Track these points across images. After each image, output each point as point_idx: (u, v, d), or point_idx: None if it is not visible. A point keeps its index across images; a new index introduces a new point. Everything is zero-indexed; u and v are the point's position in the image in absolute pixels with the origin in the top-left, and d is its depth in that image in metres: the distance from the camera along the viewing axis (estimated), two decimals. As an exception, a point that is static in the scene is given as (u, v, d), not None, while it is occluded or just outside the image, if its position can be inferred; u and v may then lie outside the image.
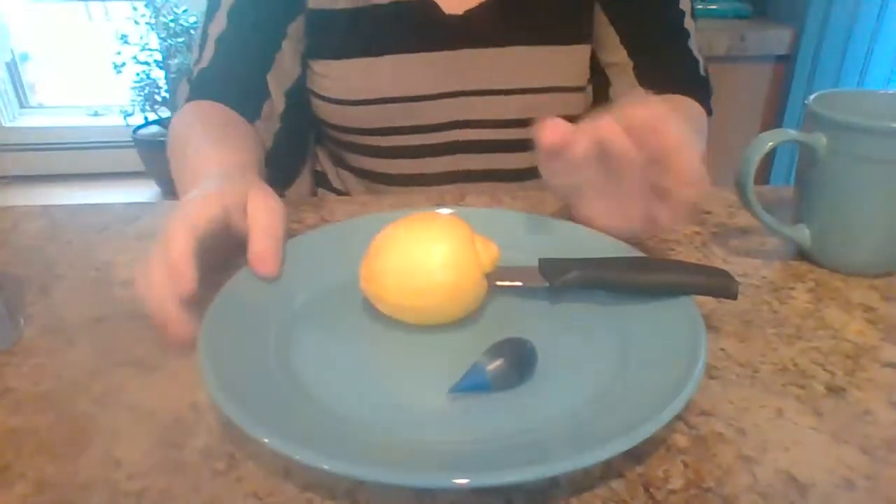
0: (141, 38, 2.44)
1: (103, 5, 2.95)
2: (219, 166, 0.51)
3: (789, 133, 0.50)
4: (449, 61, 0.68)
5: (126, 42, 2.44)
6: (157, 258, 0.40)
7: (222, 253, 0.46)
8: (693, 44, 0.70)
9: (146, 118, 2.59)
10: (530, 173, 0.74)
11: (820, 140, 0.49)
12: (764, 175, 1.56)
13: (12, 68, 2.89)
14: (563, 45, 0.69)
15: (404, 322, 0.44)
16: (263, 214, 0.45)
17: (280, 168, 0.73)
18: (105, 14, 2.97)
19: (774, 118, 1.52)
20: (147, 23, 2.41)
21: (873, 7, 1.35)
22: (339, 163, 0.78)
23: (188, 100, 0.66)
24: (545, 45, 0.68)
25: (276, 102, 0.68)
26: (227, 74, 0.66)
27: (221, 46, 0.66)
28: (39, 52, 3.02)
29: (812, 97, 0.51)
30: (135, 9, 2.45)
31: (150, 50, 2.45)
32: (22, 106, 2.96)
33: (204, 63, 0.66)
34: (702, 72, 0.71)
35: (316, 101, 0.72)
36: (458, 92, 0.69)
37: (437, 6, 0.67)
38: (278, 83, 0.68)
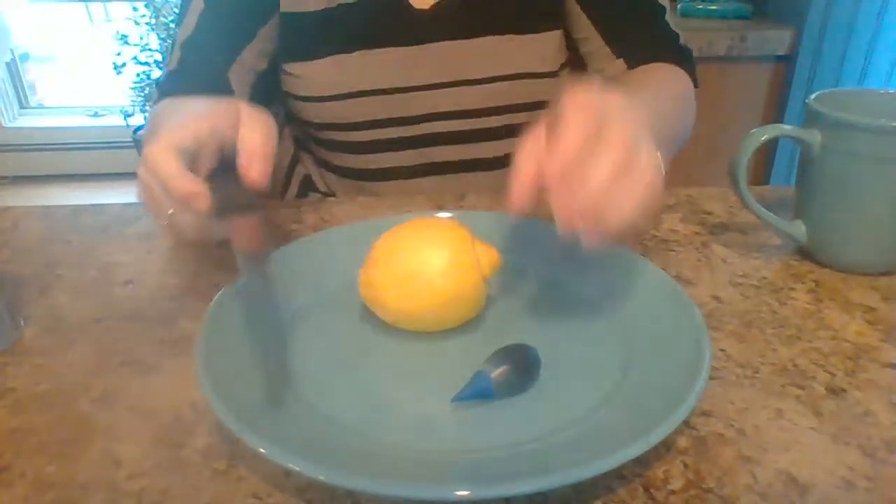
0: (141, 38, 2.43)
1: (103, 6, 2.95)
2: (206, 101, 0.49)
3: (784, 128, 0.51)
4: (419, 54, 0.68)
5: (126, 42, 2.44)
6: (153, 184, 0.40)
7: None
8: (669, 18, 0.70)
9: (146, 118, 2.59)
10: (508, 161, 0.74)
11: (815, 136, 0.49)
12: (765, 175, 1.56)
13: (12, 68, 2.89)
14: (532, 33, 0.69)
15: (404, 329, 0.43)
16: (254, 116, 0.43)
17: None
18: (105, 15, 2.97)
19: (774, 118, 1.52)
20: (147, 23, 2.41)
21: (873, 7, 1.35)
22: (322, 164, 0.79)
23: (157, 101, 0.66)
24: (514, 33, 0.69)
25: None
26: (193, 73, 0.66)
27: (188, 48, 0.66)
28: (39, 52, 3.02)
29: (813, 96, 0.51)
30: (135, 9, 2.45)
31: (150, 50, 2.44)
32: (22, 106, 2.96)
33: (171, 66, 0.66)
34: (682, 42, 0.70)
35: (292, 102, 0.72)
36: (430, 84, 0.70)
37: (406, 1, 0.67)
38: (241, 81, 0.68)
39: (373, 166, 0.74)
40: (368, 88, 0.68)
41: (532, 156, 0.38)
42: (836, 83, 1.42)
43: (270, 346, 0.41)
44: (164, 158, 0.39)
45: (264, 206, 0.44)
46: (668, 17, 0.70)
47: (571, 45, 0.72)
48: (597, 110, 0.36)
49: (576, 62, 0.73)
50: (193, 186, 0.38)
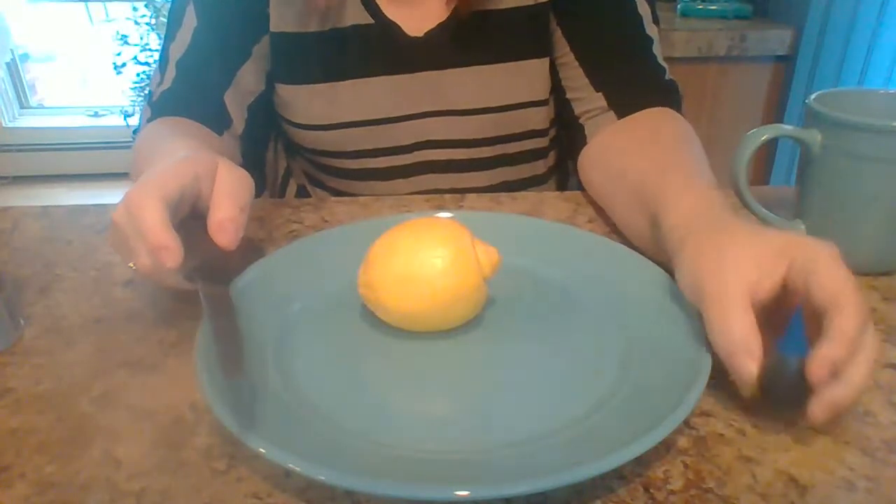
0: (141, 38, 2.44)
1: (103, 6, 2.95)
2: (187, 149, 0.50)
3: (784, 128, 0.51)
4: (411, 83, 0.68)
5: (126, 42, 2.45)
6: (129, 229, 0.40)
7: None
8: (657, 49, 0.67)
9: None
10: (499, 189, 0.74)
11: (815, 136, 0.49)
12: (765, 175, 1.56)
13: (12, 68, 2.89)
14: (523, 61, 0.68)
15: (403, 328, 0.43)
16: (230, 182, 0.44)
17: None
18: (105, 15, 2.97)
19: (775, 118, 1.52)
20: (147, 23, 2.41)
21: (873, 7, 1.35)
22: (314, 182, 0.79)
23: (151, 119, 0.65)
24: (505, 62, 0.68)
25: (237, 122, 0.67)
26: (190, 95, 0.65)
27: (183, 67, 0.65)
28: (39, 52, 3.02)
29: (813, 96, 0.51)
30: (135, 9, 2.45)
31: (150, 50, 2.44)
32: (22, 106, 2.96)
33: (166, 85, 0.65)
34: (667, 78, 0.67)
35: (284, 125, 0.72)
36: (422, 113, 0.69)
37: (399, 28, 0.66)
38: (239, 101, 0.67)
39: (365, 192, 0.73)
40: (360, 119, 0.68)
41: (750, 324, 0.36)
42: (836, 83, 1.41)
43: (270, 347, 0.42)
44: (149, 206, 0.39)
45: (233, 270, 0.44)
46: (655, 48, 0.67)
47: (553, 70, 0.70)
48: (865, 310, 0.35)
49: (557, 87, 0.71)
50: (170, 241, 0.38)
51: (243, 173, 0.46)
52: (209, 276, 0.40)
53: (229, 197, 0.43)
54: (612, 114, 0.65)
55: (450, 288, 0.41)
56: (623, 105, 0.65)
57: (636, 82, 0.66)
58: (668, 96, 0.66)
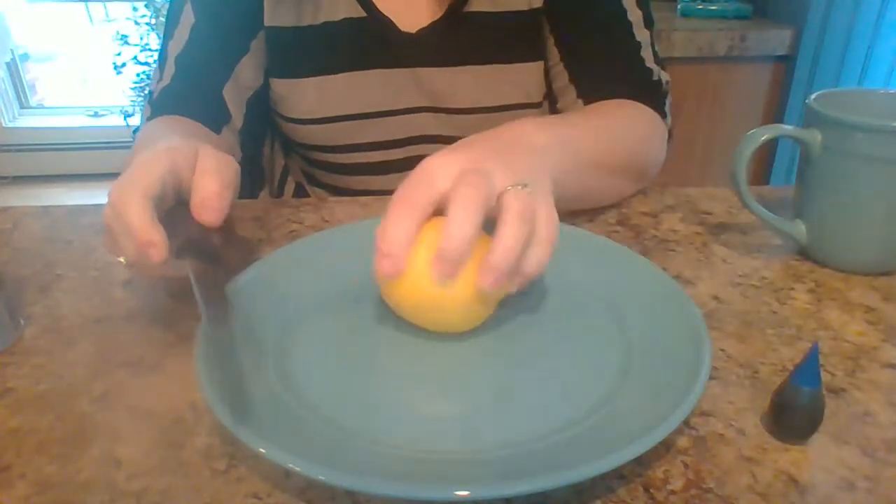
0: (141, 38, 2.44)
1: (103, 6, 2.95)
2: (170, 138, 0.50)
3: (785, 128, 0.51)
4: (404, 78, 0.68)
5: (126, 42, 2.45)
6: (116, 227, 0.40)
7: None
8: (647, 52, 0.67)
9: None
10: None
11: (815, 136, 0.49)
12: (765, 175, 1.56)
13: (12, 68, 2.89)
14: (516, 63, 0.68)
15: (403, 328, 0.43)
16: (212, 162, 0.44)
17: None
18: (105, 15, 2.97)
19: (774, 118, 1.52)
20: (147, 23, 2.41)
21: (873, 7, 1.35)
22: (310, 179, 0.79)
23: (150, 118, 0.65)
24: (498, 63, 0.68)
25: (236, 117, 0.67)
26: (189, 91, 0.65)
27: (182, 63, 0.65)
28: (39, 52, 3.02)
29: (813, 96, 0.51)
30: (135, 9, 2.45)
31: (150, 50, 2.45)
32: (22, 106, 2.96)
33: (166, 81, 0.65)
34: (654, 78, 0.67)
35: (279, 120, 0.72)
36: (414, 108, 0.69)
37: (392, 23, 0.67)
38: (238, 96, 0.67)
39: (359, 187, 0.74)
40: (352, 112, 0.68)
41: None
42: (836, 83, 1.41)
43: (270, 347, 0.42)
44: (132, 203, 0.39)
45: (221, 248, 0.44)
46: (644, 52, 0.67)
47: (547, 77, 0.71)
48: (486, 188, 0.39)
49: (550, 92, 0.71)
50: (155, 237, 0.39)
51: (226, 155, 0.45)
52: (196, 253, 0.41)
53: (211, 175, 0.43)
54: (580, 102, 0.66)
55: (471, 293, 0.40)
56: (592, 96, 0.65)
57: (614, 79, 0.66)
58: (646, 93, 0.65)
